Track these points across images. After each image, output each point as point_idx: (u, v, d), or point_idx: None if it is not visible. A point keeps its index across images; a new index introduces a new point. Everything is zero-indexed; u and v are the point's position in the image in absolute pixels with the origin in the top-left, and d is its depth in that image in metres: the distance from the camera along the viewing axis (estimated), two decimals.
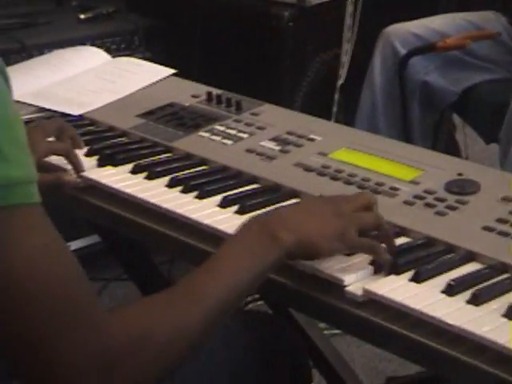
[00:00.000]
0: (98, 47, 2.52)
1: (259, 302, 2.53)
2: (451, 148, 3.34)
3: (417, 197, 1.66)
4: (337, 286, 1.43)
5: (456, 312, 1.34)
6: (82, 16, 3.58)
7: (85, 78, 2.24)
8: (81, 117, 2.05)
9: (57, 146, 1.87)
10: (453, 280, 1.42)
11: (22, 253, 1.15)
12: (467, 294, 1.38)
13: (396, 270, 1.44)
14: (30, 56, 2.77)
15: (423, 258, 1.49)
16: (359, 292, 1.40)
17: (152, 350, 1.22)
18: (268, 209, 1.60)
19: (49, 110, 2.09)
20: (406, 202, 1.64)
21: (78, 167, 1.83)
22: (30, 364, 1.17)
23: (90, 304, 1.19)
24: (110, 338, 1.18)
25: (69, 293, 1.18)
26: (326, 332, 2.19)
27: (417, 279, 1.43)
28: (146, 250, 2.30)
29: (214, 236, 1.56)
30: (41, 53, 2.80)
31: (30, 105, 2.09)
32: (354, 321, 1.41)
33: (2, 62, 1.20)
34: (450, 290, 1.39)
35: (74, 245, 3.06)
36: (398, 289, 1.40)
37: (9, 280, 1.14)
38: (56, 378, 1.16)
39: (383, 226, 1.48)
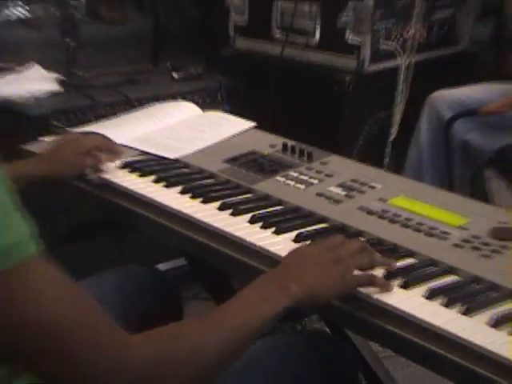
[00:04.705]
0: (188, 101, 2.52)
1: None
2: (484, 198, 3.30)
3: (465, 241, 1.63)
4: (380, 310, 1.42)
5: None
6: (176, 75, 3.62)
7: (180, 128, 2.25)
8: (176, 160, 2.05)
9: (88, 162, 1.94)
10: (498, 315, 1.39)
11: (40, 299, 1.11)
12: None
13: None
14: (132, 107, 2.79)
15: (472, 294, 1.46)
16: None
17: (171, 366, 1.20)
18: None
19: (149, 153, 2.09)
20: (456, 245, 1.62)
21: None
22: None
23: (114, 331, 1.17)
24: (135, 357, 1.16)
25: (93, 323, 1.15)
26: (378, 352, 2.15)
27: (466, 313, 1.40)
28: (225, 274, 2.28)
29: None
30: (141, 105, 2.81)
31: (135, 148, 2.10)
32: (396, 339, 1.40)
33: None
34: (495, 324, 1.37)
35: (162, 265, 3.04)
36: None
37: (38, 327, 1.11)
38: None
39: (377, 261, 1.49)
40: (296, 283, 1.38)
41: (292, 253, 1.50)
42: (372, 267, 1.48)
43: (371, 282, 1.45)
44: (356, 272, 1.46)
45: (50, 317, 1.12)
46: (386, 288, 1.45)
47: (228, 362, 1.28)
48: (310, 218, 1.74)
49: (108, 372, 1.14)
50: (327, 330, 2.17)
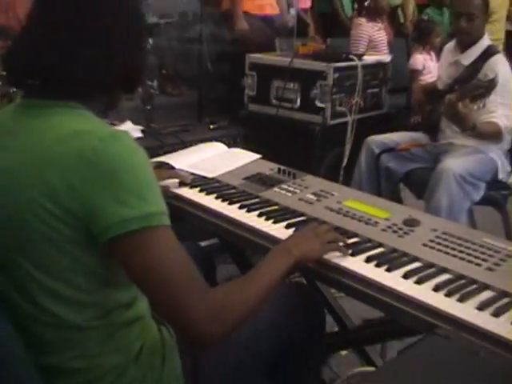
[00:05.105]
0: (219, 142, 2.51)
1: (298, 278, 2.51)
2: (398, 201, 3.30)
3: (388, 227, 1.63)
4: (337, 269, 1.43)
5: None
6: (211, 127, 3.62)
7: (214, 158, 2.23)
8: (212, 178, 2.03)
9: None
10: (409, 271, 1.39)
11: (162, 253, 1.13)
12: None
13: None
14: (185, 147, 2.75)
15: (392, 259, 1.47)
16: None
17: (232, 307, 1.19)
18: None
19: (195, 174, 2.07)
20: (383, 230, 1.62)
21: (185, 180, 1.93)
22: (173, 311, 1.15)
23: (201, 283, 1.17)
24: (211, 301, 1.16)
25: (190, 274, 1.16)
26: (335, 295, 2.14)
27: (389, 270, 1.41)
28: (241, 248, 2.28)
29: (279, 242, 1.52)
30: (191, 145, 2.81)
31: (186, 171, 2.08)
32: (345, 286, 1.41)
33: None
34: (405, 277, 1.37)
35: (203, 243, 3.01)
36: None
37: (157, 270, 1.12)
38: (186, 319, 1.14)
39: (338, 238, 1.49)
40: (295, 249, 1.38)
41: (291, 235, 1.51)
42: (335, 241, 1.48)
43: (338, 250, 1.46)
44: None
45: (169, 266, 1.13)
46: (344, 253, 1.45)
47: (259, 307, 1.26)
48: (295, 213, 1.73)
49: (194, 304, 1.14)
50: (304, 281, 2.17)
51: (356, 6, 4.84)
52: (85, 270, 1.16)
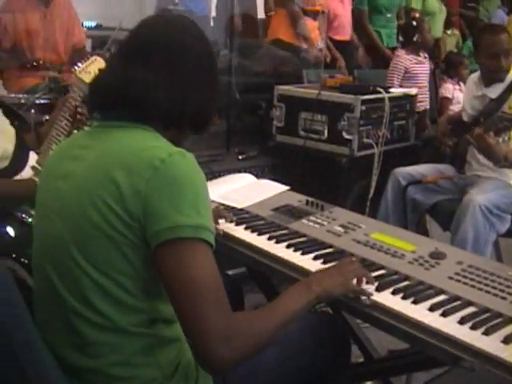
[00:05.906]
0: (248, 173, 2.53)
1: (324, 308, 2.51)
2: (424, 233, 3.29)
3: (414, 259, 1.65)
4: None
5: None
6: (240, 157, 3.66)
7: (243, 189, 2.26)
8: (242, 209, 2.06)
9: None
10: (434, 303, 1.42)
11: (200, 267, 1.18)
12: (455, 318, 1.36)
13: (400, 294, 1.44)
14: (215, 177, 2.80)
15: (418, 291, 1.49)
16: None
17: (248, 335, 1.22)
18: (337, 261, 1.58)
19: (225, 204, 2.09)
20: (409, 262, 1.64)
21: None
22: (190, 326, 1.18)
23: (224, 307, 1.20)
24: (229, 326, 1.19)
25: (218, 294, 1.19)
26: (361, 325, 2.15)
27: (415, 302, 1.43)
28: (268, 276, 2.28)
29: (308, 274, 1.54)
30: (220, 176, 2.84)
31: (216, 202, 2.10)
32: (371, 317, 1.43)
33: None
34: (431, 309, 1.39)
35: (231, 272, 3.02)
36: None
37: (190, 280, 1.17)
38: (203, 334, 1.17)
39: (365, 275, 1.48)
40: (316, 285, 1.39)
41: (317, 270, 1.52)
42: (361, 277, 1.48)
43: (360, 293, 1.46)
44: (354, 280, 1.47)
45: (198, 283, 1.17)
46: (368, 295, 1.45)
47: (274, 338, 1.28)
48: (323, 245, 1.75)
49: (212, 326, 1.17)
50: (330, 310, 2.18)
51: (401, 38, 4.81)
52: (136, 275, 1.23)
